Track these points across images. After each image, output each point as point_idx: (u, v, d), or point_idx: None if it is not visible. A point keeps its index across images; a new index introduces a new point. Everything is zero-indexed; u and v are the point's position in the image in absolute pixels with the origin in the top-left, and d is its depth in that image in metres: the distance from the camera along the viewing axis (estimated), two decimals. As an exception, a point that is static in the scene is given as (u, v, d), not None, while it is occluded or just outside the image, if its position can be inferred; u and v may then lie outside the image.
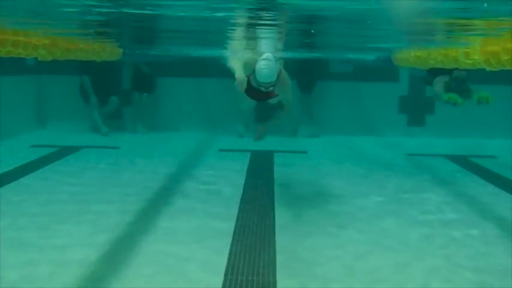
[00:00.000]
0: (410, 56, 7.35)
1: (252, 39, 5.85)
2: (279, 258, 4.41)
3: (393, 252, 4.66)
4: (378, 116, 11.30)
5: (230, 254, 4.51)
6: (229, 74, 6.07)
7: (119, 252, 4.56)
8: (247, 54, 5.92)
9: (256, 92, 5.55)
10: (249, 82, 5.58)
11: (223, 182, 7.02)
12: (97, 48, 7.00)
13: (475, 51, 4.85)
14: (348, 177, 7.50)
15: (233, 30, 5.20)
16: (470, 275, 4.21)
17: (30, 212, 5.55)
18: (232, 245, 4.73)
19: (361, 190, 6.75)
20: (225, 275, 4.10)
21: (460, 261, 4.46)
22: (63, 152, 8.83)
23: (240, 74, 5.62)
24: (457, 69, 6.89)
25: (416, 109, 11.35)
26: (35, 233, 4.92)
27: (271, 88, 5.40)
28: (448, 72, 7.30)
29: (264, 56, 5.41)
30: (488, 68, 4.74)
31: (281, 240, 4.87)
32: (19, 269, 4.12)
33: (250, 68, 5.55)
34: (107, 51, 7.47)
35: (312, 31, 5.36)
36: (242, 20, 4.62)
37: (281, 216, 5.58)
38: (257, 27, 4.88)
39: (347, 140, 10.50)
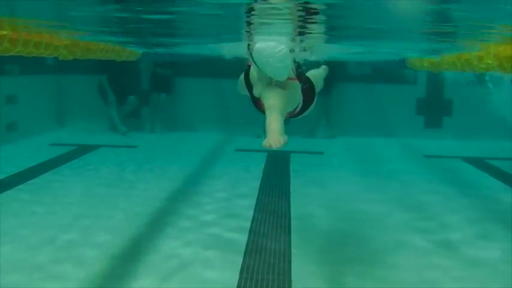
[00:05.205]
0: (424, 59, 7.35)
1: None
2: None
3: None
4: (395, 118, 11.31)
5: (244, 256, 4.56)
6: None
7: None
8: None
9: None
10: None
11: (239, 182, 7.09)
12: (117, 48, 7.09)
13: (488, 55, 4.84)
14: (364, 179, 7.51)
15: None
16: None
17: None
18: (247, 246, 4.78)
19: (376, 195, 6.73)
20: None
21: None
22: (80, 151, 8.95)
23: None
24: None
25: (433, 111, 11.33)
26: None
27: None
28: None
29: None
30: (502, 73, 4.74)
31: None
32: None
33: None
34: (127, 51, 7.57)
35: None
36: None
37: (296, 218, 5.59)
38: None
39: (364, 142, 10.50)
